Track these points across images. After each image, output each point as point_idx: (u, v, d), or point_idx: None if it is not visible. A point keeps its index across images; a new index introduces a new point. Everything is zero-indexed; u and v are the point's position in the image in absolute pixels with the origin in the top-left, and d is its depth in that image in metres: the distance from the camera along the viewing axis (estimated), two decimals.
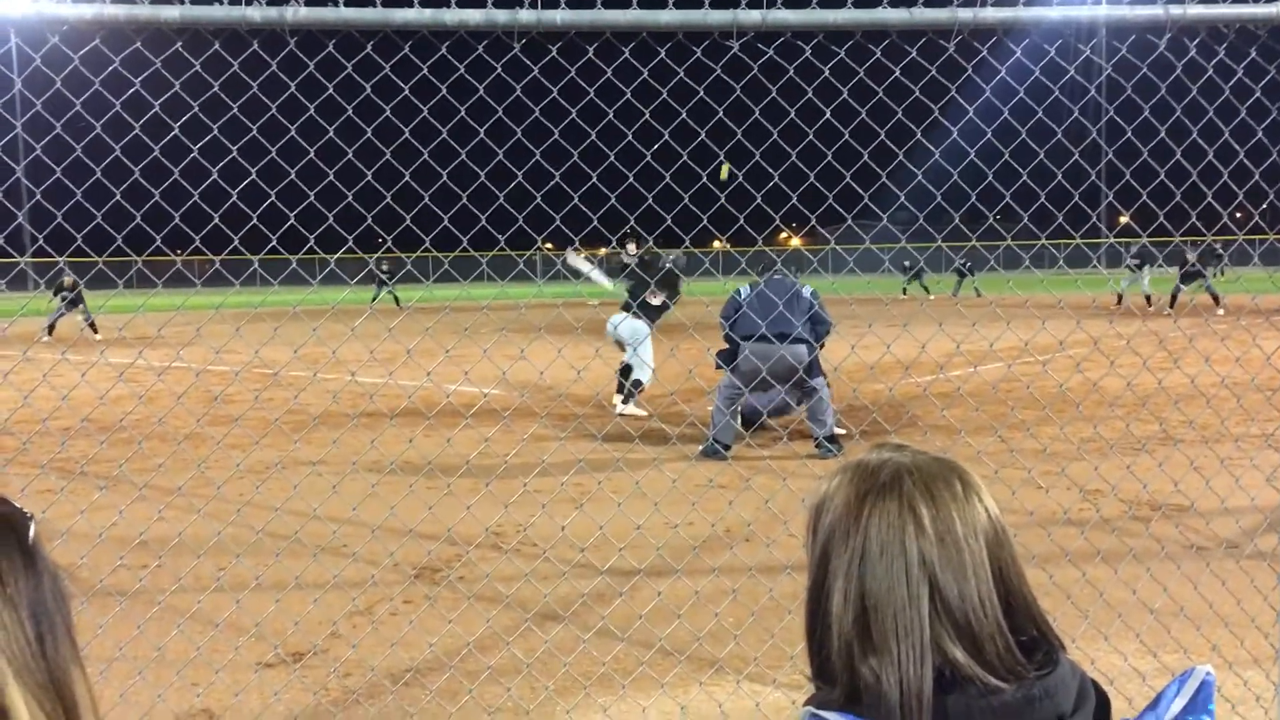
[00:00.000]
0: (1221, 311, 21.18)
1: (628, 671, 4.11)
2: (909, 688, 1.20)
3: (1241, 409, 8.30)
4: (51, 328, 22.68)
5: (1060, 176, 3.89)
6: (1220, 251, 25.61)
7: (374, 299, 31.90)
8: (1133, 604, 4.30)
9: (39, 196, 3.24)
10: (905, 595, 1.23)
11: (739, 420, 8.79)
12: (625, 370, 10.59)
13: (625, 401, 10.56)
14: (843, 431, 9.11)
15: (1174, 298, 23.02)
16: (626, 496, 5.56)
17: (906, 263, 32.86)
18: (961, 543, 1.25)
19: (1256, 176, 3.82)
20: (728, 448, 8.54)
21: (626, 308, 10.64)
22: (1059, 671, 1.25)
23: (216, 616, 4.66)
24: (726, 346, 8.81)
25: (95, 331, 22.24)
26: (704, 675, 4.07)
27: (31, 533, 1.10)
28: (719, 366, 8.87)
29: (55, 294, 22.57)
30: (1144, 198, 3.95)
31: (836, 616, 1.28)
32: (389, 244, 3.48)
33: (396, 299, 31.20)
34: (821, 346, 8.81)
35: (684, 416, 10.17)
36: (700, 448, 8.70)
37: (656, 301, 10.61)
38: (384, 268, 29.91)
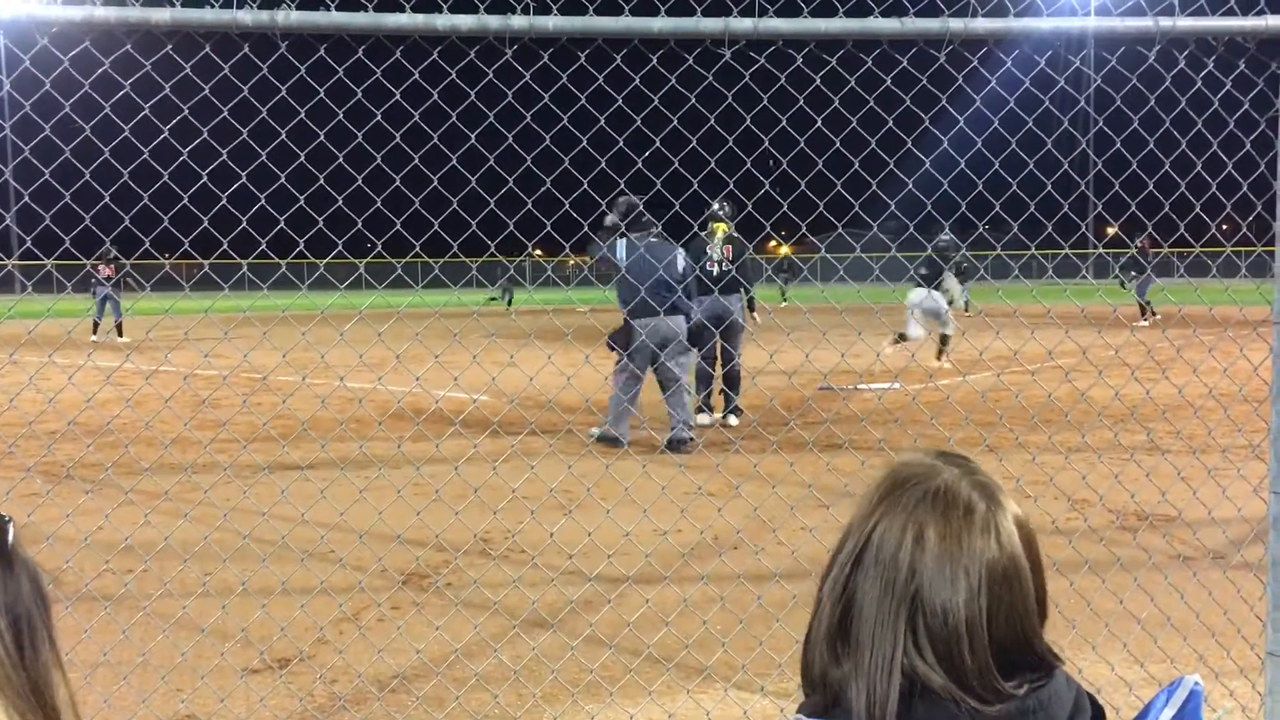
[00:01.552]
0: (1145, 323, 21.52)
1: (615, 679, 4.10)
2: (874, 698, 1.20)
3: (1229, 419, 8.33)
4: (96, 326, 22.15)
5: (1050, 187, 3.91)
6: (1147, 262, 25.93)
7: (505, 301, 32.25)
8: (1120, 614, 4.30)
9: (27, 198, 3.22)
10: (886, 607, 1.23)
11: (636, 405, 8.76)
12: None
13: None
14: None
15: (1142, 308, 23.44)
16: (615, 503, 5.56)
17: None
18: (959, 570, 1.23)
19: (1244, 188, 3.84)
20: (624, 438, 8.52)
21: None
22: (1053, 684, 1.25)
23: (202, 622, 4.63)
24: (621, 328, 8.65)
25: (120, 334, 21.68)
26: (692, 683, 4.07)
27: (10, 536, 1.08)
28: (612, 348, 8.73)
29: (93, 287, 21.85)
30: (1133, 208, 3.96)
31: (824, 613, 1.28)
32: (379, 249, 3.47)
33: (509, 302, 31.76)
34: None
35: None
36: (596, 431, 8.74)
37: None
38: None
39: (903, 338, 13.82)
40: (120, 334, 21.65)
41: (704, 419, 10.19)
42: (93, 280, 21.91)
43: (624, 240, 8.59)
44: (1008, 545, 1.26)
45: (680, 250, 8.86)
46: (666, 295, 8.21)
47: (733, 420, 10.34)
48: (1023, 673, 1.24)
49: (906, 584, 1.23)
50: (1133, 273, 24.20)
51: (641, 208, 8.44)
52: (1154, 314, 23.45)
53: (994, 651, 1.22)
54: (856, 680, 1.21)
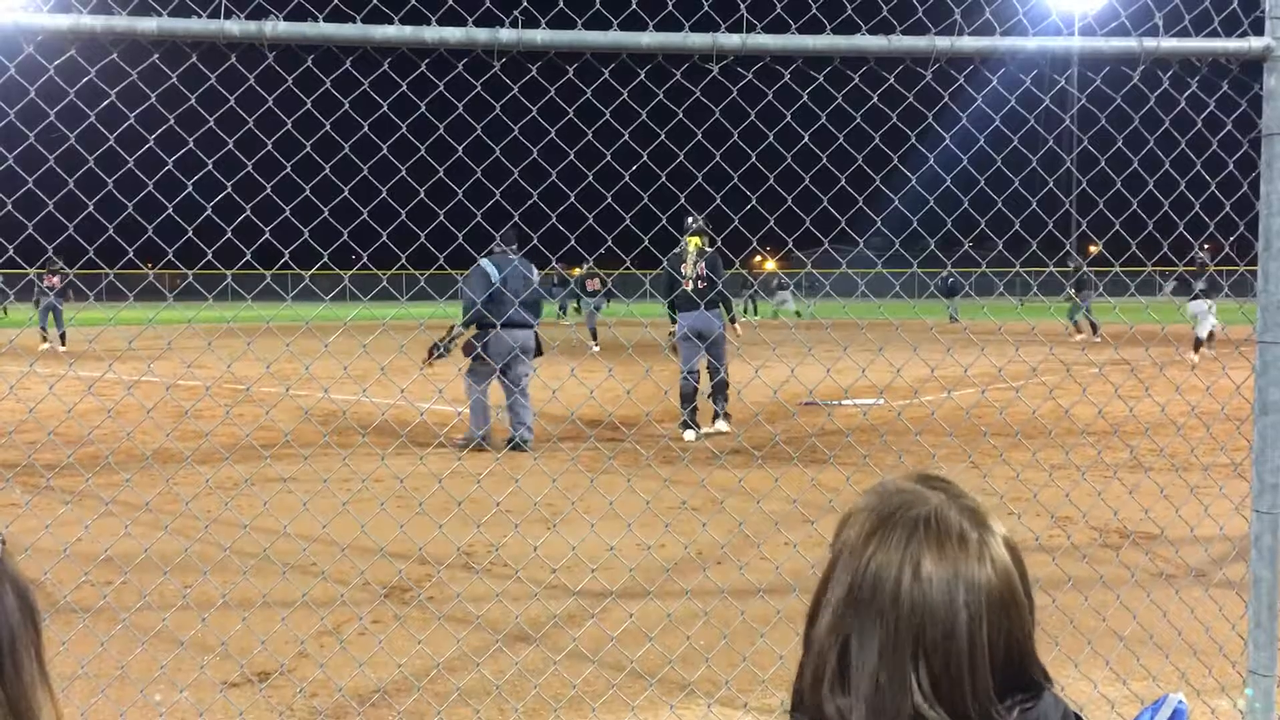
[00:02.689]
0: (1082, 336, 21.78)
1: (598, 694, 4.08)
2: None
3: (1211, 437, 8.38)
4: (45, 335, 22.17)
5: (1035, 204, 3.93)
6: (1095, 281, 26.25)
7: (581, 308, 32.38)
8: (1102, 631, 4.31)
9: (9, 207, 3.20)
10: (890, 646, 1.21)
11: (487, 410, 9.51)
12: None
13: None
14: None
15: (1093, 326, 23.95)
16: (599, 517, 5.54)
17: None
18: (960, 604, 1.22)
19: (1227, 208, 3.87)
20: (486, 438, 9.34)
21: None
22: (1041, 705, 1.25)
23: (181, 634, 4.59)
24: (476, 330, 9.47)
25: (63, 344, 21.86)
26: (675, 698, 4.05)
27: None
28: (438, 347, 9.49)
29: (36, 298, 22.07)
30: (1117, 226, 3.99)
31: (820, 645, 1.26)
32: (364, 260, 3.46)
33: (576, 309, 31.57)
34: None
35: (659, 437, 10.16)
36: (461, 438, 9.43)
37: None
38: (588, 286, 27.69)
39: (1200, 342, 17.22)
40: (63, 344, 21.80)
41: (690, 435, 10.26)
42: (36, 289, 22.03)
43: (489, 259, 9.53)
44: (1002, 571, 1.25)
45: (535, 268, 9.83)
46: (524, 308, 9.13)
47: (721, 425, 10.60)
48: (1014, 694, 1.24)
49: (909, 621, 1.21)
50: (1085, 290, 24.75)
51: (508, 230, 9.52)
52: (1094, 329, 23.95)
53: (994, 679, 1.21)
54: (854, 718, 1.19)
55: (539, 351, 9.53)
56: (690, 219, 10.33)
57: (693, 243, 10.39)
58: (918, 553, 1.23)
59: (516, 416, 9.39)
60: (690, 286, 10.30)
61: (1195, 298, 21.99)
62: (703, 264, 10.39)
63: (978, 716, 1.19)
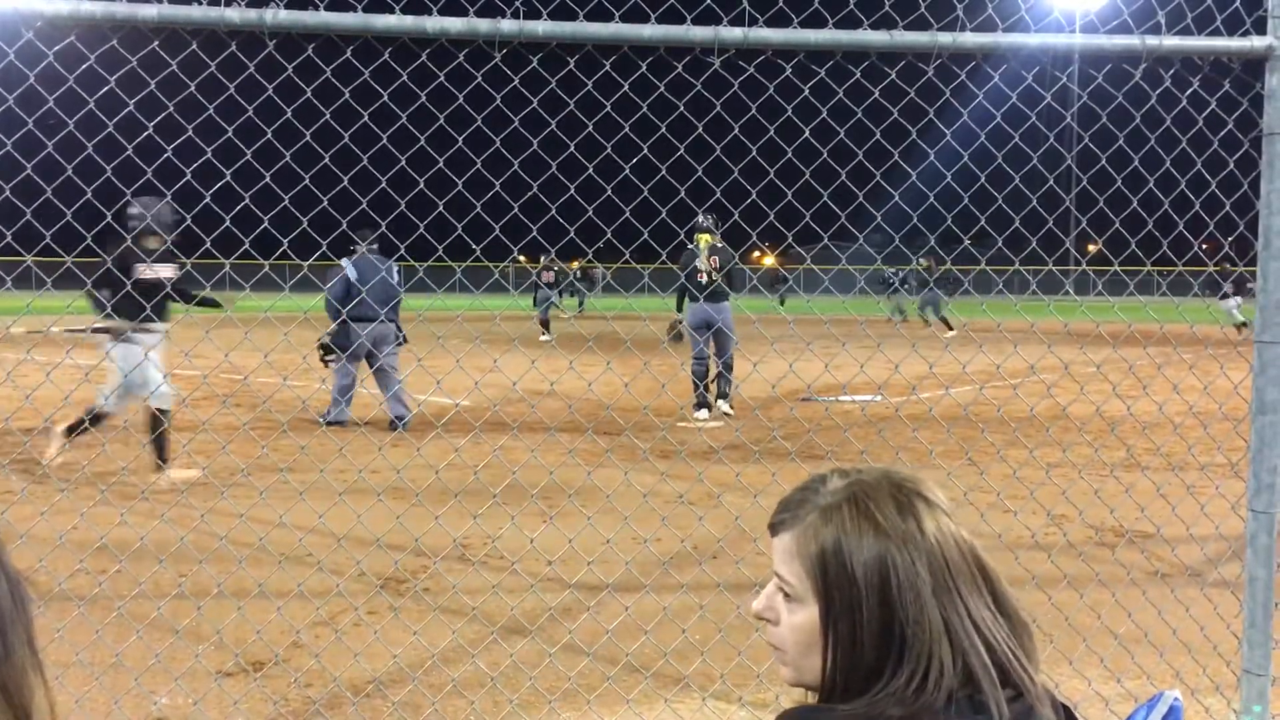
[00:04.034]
0: (950, 333, 22.28)
1: (593, 687, 4.09)
2: (941, 692, 1.20)
3: (1208, 437, 8.38)
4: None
5: (1035, 202, 3.93)
6: (960, 278, 27.14)
7: (577, 304, 32.18)
8: (1097, 629, 4.31)
9: (7, 193, 3.19)
10: (929, 616, 1.23)
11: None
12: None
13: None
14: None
15: (944, 321, 25.06)
16: (596, 511, 5.54)
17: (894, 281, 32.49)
18: (965, 558, 1.27)
19: (1227, 207, 3.87)
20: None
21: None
22: (1035, 695, 1.25)
23: (176, 623, 4.59)
24: (337, 329, 10.14)
25: None
26: (670, 692, 4.05)
27: None
28: (332, 349, 10.23)
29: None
30: (1116, 225, 3.98)
31: (863, 652, 1.26)
32: (363, 250, 3.45)
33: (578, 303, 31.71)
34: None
35: (657, 431, 10.16)
36: (323, 417, 10.13)
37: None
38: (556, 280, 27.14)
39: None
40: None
41: (702, 414, 11.04)
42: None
43: (349, 259, 10.20)
44: (957, 521, 1.30)
45: (395, 264, 10.34)
46: (384, 302, 9.89)
47: (724, 405, 11.29)
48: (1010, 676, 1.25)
49: (943, 582, 1.23)
50: (935, 291, 26.07)
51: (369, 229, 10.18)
52: (948, 326, 24.87)
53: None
54: (919, 680, 1.21)
55: (400, 341, 10.45)
56: (701, 218, 10.91)
57: (703, 240, 11.02)
58: (915, 511, 1.27)
59: (394, 402, 10.22)
60: (704, 279, 10.96)
61: (1224, 297, 22.15)
62: (715, 258, 11.05)
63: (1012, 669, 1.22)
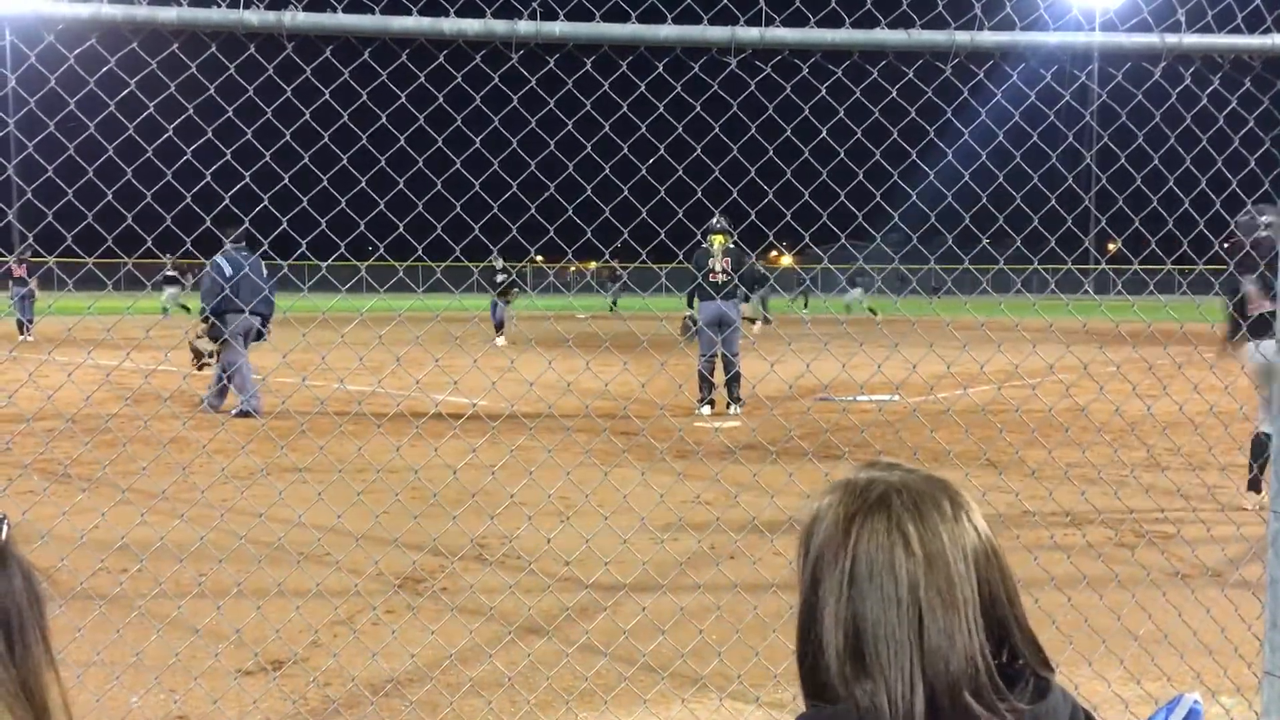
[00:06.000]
0: (771, 325, 22.68)
1: (609, 687, 4.09)
2: (899, 712, 1.19)
3: (1229, 437, 8.32)
4: (21, 325, 22.27)
5: (1053, 200, 3.91)
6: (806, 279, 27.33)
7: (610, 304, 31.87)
8: (1117, 630, 4.29)
9: (30, 195, 3.22)
10: (895, 619, 1.22)
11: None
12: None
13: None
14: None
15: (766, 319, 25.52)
16: (612, 510, 5.55)
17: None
18: (950, 566, 1.23)
19: (1248, 206, 3.84)
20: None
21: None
22: (1049, 700, 1.24)
23: (196, 622, 4.62)
24: (218, 322, 10.77)
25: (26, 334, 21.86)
26: (686, 692, 4.05)
27: (4, 534, 1.08)
28: (215, 339, 10.91)
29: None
30: (1136, 224, 3.96)
31: (828, 638, 1.26)
32: (381, 251, 3.47)
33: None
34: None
35: (673, 430, 10.16)
36: (235, 410, 10.67)
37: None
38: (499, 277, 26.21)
39: None
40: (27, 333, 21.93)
41: (705, 410, 11.35)
42: (11, 281, 21.99)
43: (223, 255, 10.80)
44: (980, 527, 1.27)
45: (262, 261, 11.06)
46: (253, 295, 10.64)
47: (734, 410, 11.51)
48: (1015, 681, 1.24)
49: (910, 592, 1.22)
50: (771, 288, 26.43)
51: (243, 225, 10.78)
52: (767, 321, 25.03)
53: (990, 643, 1.23)
54: (878, 699, 1.20)
55: (260, 336, 11.15)
56: (715, 219, 11.11)
57: (716, 240, 11.24)
58: (902, 524, 1.25)
59: (238, 392, 10.91)
60: (717, 279, 11.23)
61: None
62: (728, 259, 11.30)
63: (982, 691, 1.20)
